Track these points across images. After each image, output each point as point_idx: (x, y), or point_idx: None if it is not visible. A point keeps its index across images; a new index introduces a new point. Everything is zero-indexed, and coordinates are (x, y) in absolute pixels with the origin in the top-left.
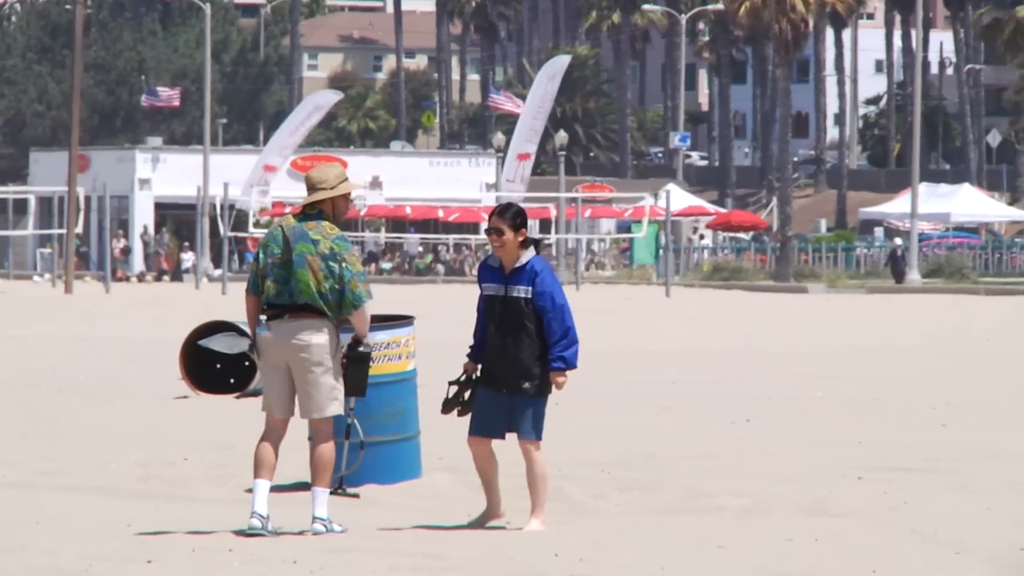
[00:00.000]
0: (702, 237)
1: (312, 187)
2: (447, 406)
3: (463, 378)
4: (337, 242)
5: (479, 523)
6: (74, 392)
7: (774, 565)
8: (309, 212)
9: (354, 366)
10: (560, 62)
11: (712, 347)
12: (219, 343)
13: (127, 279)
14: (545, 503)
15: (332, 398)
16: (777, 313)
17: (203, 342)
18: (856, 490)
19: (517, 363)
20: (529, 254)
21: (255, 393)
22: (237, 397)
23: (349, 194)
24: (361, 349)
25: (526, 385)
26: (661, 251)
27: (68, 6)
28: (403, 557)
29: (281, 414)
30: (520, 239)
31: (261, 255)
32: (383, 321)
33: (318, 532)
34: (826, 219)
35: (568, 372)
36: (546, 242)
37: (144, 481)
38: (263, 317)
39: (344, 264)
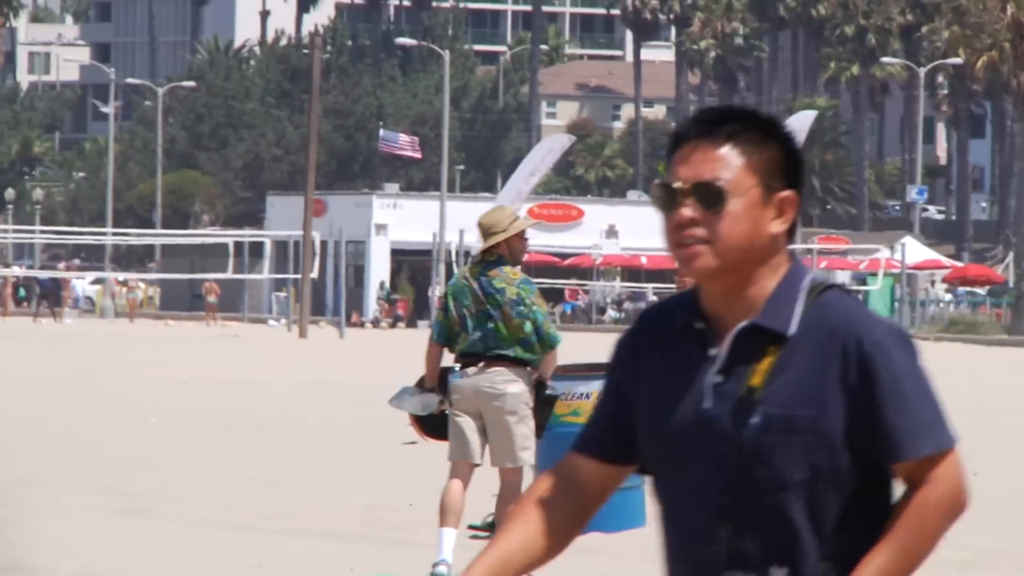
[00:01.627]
0: (948, 290)
1: (486, 232)
2: None
3: None
4: (522, 287)
5: None
6: (303, 436)
7: None
8: (488, 259)
9: (542, 409)
10: (806, 117)
11: (945, 400)
12: (410, 404)
13: (362, 325)
14: None
15: (525, 447)
16: (1011, 367)
17: (393, 403)
18: None
19: None
20: None
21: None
22: None
23: (523, 233)
24: (548, 392)
25: None
26: (896, 304)
27: (307, 51)
28: None
29: (471, 460)
30: None
31: (451, 305)
32: (595, 370)
33: None
34: None
35: None
36: (618, 286)
37: (368, 525)
38: (457, 366)
39: (533, 307)
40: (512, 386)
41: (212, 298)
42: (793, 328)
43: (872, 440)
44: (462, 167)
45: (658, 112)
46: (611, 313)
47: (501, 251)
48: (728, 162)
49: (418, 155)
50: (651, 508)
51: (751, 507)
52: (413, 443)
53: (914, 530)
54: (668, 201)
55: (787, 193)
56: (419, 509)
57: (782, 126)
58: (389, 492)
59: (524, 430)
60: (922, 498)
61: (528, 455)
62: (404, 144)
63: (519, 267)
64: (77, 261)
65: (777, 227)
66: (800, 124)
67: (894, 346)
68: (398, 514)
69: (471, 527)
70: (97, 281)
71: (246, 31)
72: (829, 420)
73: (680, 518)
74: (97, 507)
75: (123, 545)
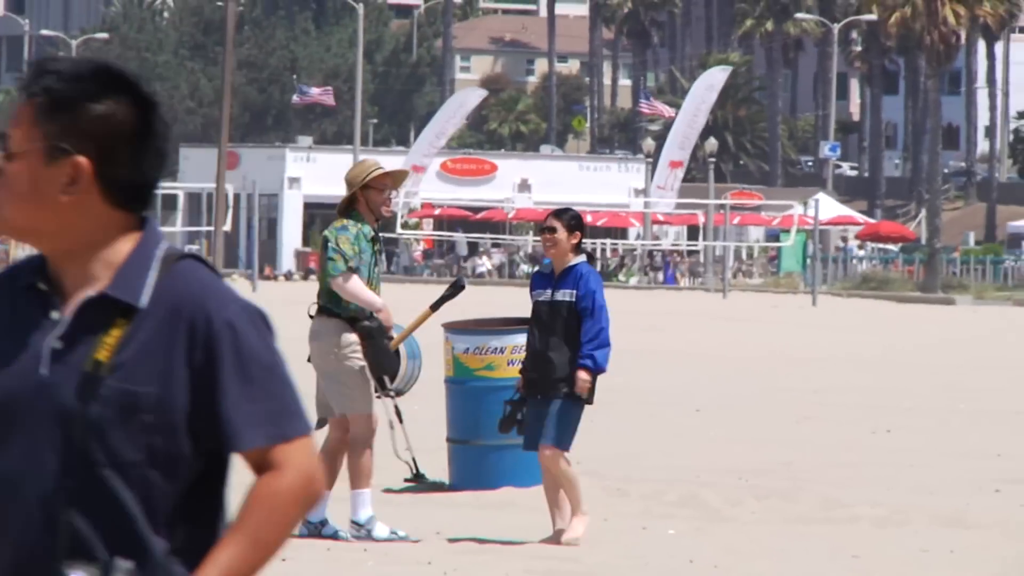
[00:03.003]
0: (860, 247)
1: (347, 187)
2: (503, 425)
3: (517, 396)
4: (331, 230)
5: (553, 540)
6: None
7: (909, 575)
8: (348, 214)
9: (367, 345)
10: (719, 74)
11: (856, 356)
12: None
13: (275, 278)
14: (581, 503)
15: (343, 396)
16: (923, 324)
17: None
18: (994, 503)
19: (556, 367)
20: (579, 258)
21: (396, 393)
22: (378, 396)
23: (380, 186)
24: (365, 323)
25: (565, 389)
26: (809, 260)
27: (220, 2)
28: (538, 560)
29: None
30: (573, 241)
31: None
32: (510, 324)
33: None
34: (975, 232)
35: (598, 376)
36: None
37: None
38: None
39: (330, 245)
40: (314, 340)
41: None
42: (144, 300)
43: (212, 425)
44: (375, 121)
45: (572, 67)
46: (524, 268)
47: (358, 207)
48: (22, 118)
49: (330, 100)
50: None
51: (92, 491)
52: None
53: (264, 520)
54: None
55: (78, 159)
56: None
57: (124, 88)
58: None
59: (334, 385)
60: (271, 487)
61: (347, 405)
62: (316, 94)
63: (378, 221)
64: None
65: (67, 194)
66: (713, 80)
67: (246, 326)
68: None
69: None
70: None
71: None
72: (172, 400)
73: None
74: None
75: None
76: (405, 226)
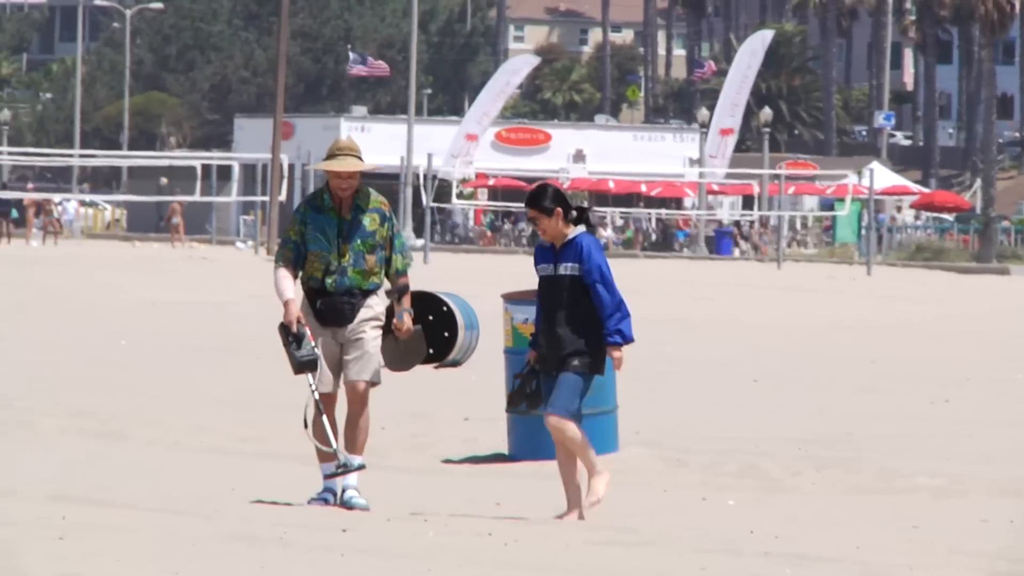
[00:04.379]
0: (916, 217)
1: None
2: (512, 401)
3: (527, 369)
4: None
5: (567, 515)
6: (272, 360)
7: (969, 545)
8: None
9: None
10: (763, 37)
11: (913, 326)
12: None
13: None
14: (597, 464)
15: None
16: (978, 294)
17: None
18: None
19: (565, 342)
20: (577, 230)
21: (454, 364)
22: (436, 367)
23: (332, 171)
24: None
25: (576, 362)
26: (864, 230)
27: None
28: (598, 531)
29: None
30: (559, 218)
31: None
32: None
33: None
34: None
35: (627, 346)
36: (597, 213)
37: None
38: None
39: None
40: None
41: (176, 219)
42: None
43: None
44: (429, 91)
45: (626, 37)
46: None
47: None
48: None
49: (386, 71)
50: (624, 434)
51: None
52: (382, 366)
53: None
54: None
55: None
56: (391, 433)
57: None
58: None
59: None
60: None
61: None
62: (371, 65)
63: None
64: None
65: None
66: (757, 45)
67: None
68: (370, 438)
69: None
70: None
71: None
72: None
73: None
74: (70, 429)
75: (97, 467)
76: (460, 196)
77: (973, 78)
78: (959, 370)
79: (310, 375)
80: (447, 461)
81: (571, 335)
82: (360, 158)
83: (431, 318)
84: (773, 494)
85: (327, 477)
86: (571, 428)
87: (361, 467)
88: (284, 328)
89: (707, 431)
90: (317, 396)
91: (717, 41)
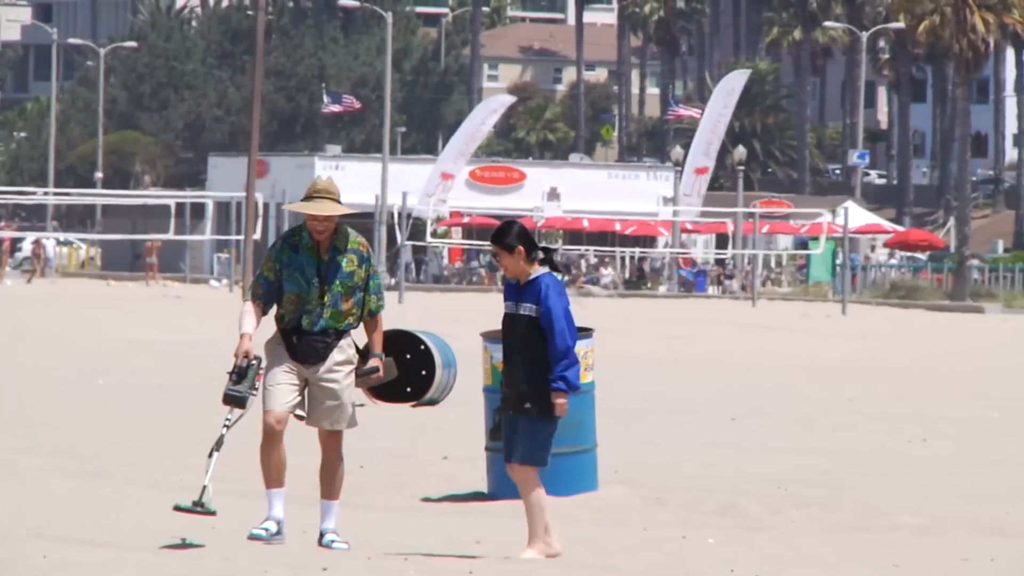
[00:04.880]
0: (890, 255)
1: None
2: (492, 435)
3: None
4: None
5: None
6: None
7: None
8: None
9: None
10: (739, 77)
11: (888, 365)
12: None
13: None
14: (541, 532)
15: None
16: (953, 332)
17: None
18: None
19: (520, 382)
20: (539, 270)
21: (431, 402)
22: (413, 406)
23: (308, 214)
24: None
25: (527, 405)
26: (838, 268)
27: (250, 12)
28: (579, 569)
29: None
30: (521, 256)
31: None
32: None
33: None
34: (1003, 239)
35: (570, 394)
36: (560, 249)
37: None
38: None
39: None
40: None
41: (152, 258)
42: None
43: None
44: (403, 129)
45: (600, 75)
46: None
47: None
48: None
49: (359, 106)
50: (603, 472)
51: None
52: (361, 405)
53: None
54: None
55: None
56: (370, 472)
57: None
58: None
59: None
60: None
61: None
62: (345, 103)
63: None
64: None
65: None
66: (733, 84)
67: None
68: (349, 477)
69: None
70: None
71: None
72: None
73: None
74: (50, 468)
75: (78, 506)
76: (434, 234)
77: (947, 116)
78: (936, 408)
79: (233, 411)
80: (426, 499)
81: (525, 376)
82: (338, 201)
83: (408, 356)
84: (753, 532)
85: (177, 509)
86: (530, 480)
87: (212, 513)
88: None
89: (686, 470)
90: (224, 431)
91: (691, 79)
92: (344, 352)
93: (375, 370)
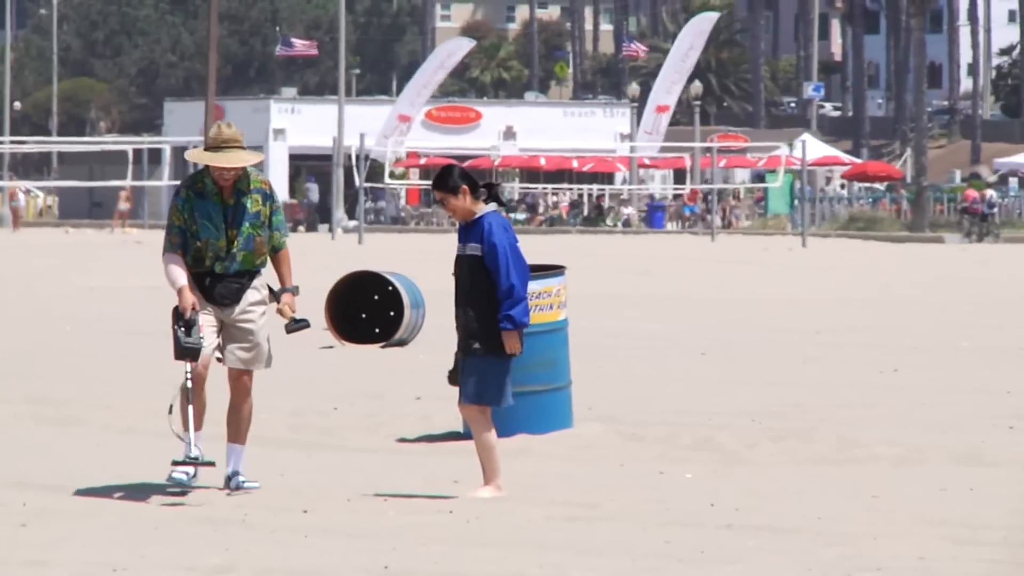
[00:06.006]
0: (842, 187)
1: None
2: (451, 377)
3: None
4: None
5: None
6: None
7: (930, 513)
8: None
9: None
10: (707, 19)
11: (852, 296)
12: None
13: None
14: (496, 471)
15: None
16: (915, 263)
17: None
18: (1009, 439)
19: (469, 322)
20: (484, 208)
21: (400, 343)
22: (382, 347)
23: (218, 167)
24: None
25: (476, 345)
26: (796, 201)
27: None
28: (558, 506)
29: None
30: (465, 198)
31: None
32: (534, 271)
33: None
34: (960, 169)
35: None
36: (504, 187)
37: (296, 430)
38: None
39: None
40: None
41: (125, 205)
42: None
43: None
44: (358, 71)
45: (552, 13)
46: (512, 215)
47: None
48: None
49: (314, 52)
50: (577, 410)
51: None
52: (330, 347)
53: None
54: None
55: None
56: (344, 413)
57: None
58: (312, 397)
59: None
60: None
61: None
62: (300, 46)
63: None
64: None
65: None
66: (702, 26)
67: None
68: (324, 418)
69: None
70: None
71: None
72: None
73: None
74: (25, 416)
75: (55, 453)
76: (392, 176)
77: (901, 47)
78: (905, 339)
79: (189, 363)
80: (402, 440)
81: (472, 317)
82: (244, 148)
83: (376, 297)
84: (731, 466)
85: (175, 464)
86: (479, 420)
87: (210, 463)
88: (177, 313)
89: (660, 405)
90: (190, 385)
91: (644, 15)
92: (259, 292)
93: (306, 324)
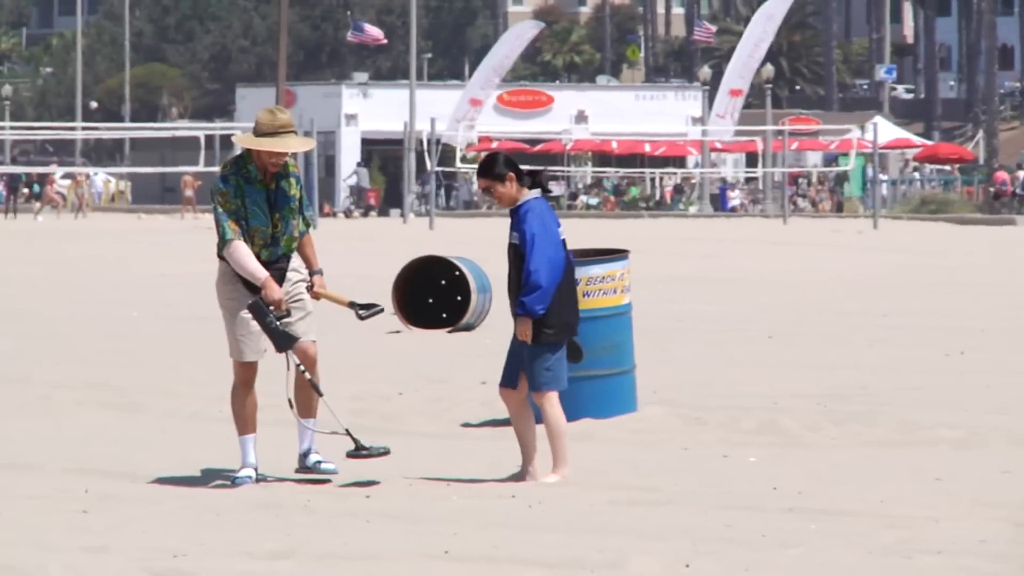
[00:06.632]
0: (915, 169)
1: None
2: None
3: None
4: (214, 184)
5: (517, 478)
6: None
7: (992, 496)
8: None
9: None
10: (781, 3)
11: (922, 279)
12: None
13: (334, 215)
14: (566, 458)
15: (234, 341)
16: (986, 245)
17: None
18: None
19: (512, 311)
20: (527, 195)
21: (467, 328)
22: (449, 331)
23: (277, 151)
24: (251, 302)
25: (548, 332)
26: (868, 184)
27: None
28: (621, 491)
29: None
30: (511, 186)
31: None
32: (597, 255)
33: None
34: None
35: (533, 319)
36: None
37: (359, 415)
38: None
39: (215, 207)
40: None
41: (190, 192)
42: None
43: None
44: (429, 55)
45: None
46: (583, 199)
47: (252, 153)
48: None
49: (383, 40)
50: (641, 393)
51: None
52: (397, 332)
53: None
54: None
55: None
56: (408, 398)
57: None
58: (376, 382)
59: (226, 326)
60: None
61: (235, 351)
62: (369, 33)
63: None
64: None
65: None
66: (776, 9)
67: None
68: (388, 403)
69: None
70: (67, 176)
71: None
72: None
73: None
74: (87, 402)
75: (116, 440)
76: (464, 160)
77: (973, 29)
78: (972, 321)
79: (291, 352)
80: (466, 425)
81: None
82: (296, 133)
83: (444, 282)
84: (793, 450)
85: (349, 455)
86: (545, 406)
87: (385, 452)
88: (258, 306)
89: (724, 388)
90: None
91: None
92: (299, 272)
93: (380, 309)
